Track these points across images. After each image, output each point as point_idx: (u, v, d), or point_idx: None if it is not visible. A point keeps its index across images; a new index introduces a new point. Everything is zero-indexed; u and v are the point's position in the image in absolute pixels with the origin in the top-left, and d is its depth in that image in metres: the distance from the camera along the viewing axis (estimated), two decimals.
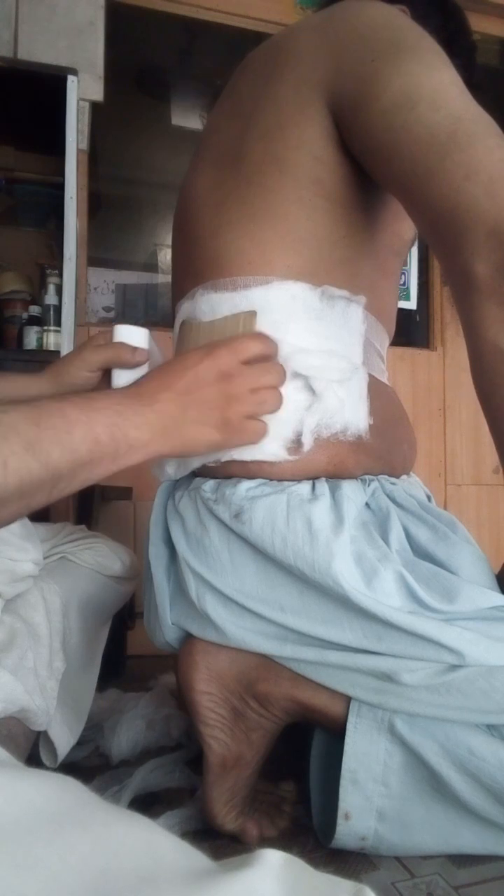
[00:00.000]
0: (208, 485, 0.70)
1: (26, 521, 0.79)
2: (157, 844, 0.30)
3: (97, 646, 0.92)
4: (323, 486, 0.66)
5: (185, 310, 0.75)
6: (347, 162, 0.67)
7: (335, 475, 0.68)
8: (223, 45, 2.16)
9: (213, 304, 0.71)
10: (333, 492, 0.66)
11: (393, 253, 0.80)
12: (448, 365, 2.07)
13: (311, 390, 0.67)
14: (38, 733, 0.74)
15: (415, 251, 2.05)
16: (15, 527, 0.76)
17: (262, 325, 0.68)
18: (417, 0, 0.76)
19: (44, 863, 0.27)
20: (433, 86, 0.58)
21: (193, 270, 0.74)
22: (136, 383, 0.61)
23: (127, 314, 2.25)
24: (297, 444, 0.66)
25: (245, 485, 0.67)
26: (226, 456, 0.67)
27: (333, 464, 0.68)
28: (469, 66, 0.62)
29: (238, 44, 2.10)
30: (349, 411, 0.68)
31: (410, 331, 2.13)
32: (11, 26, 1.76)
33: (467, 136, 0.56)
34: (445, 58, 0.62)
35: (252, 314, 0.68)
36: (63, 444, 0.51)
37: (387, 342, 0.81)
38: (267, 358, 0.65)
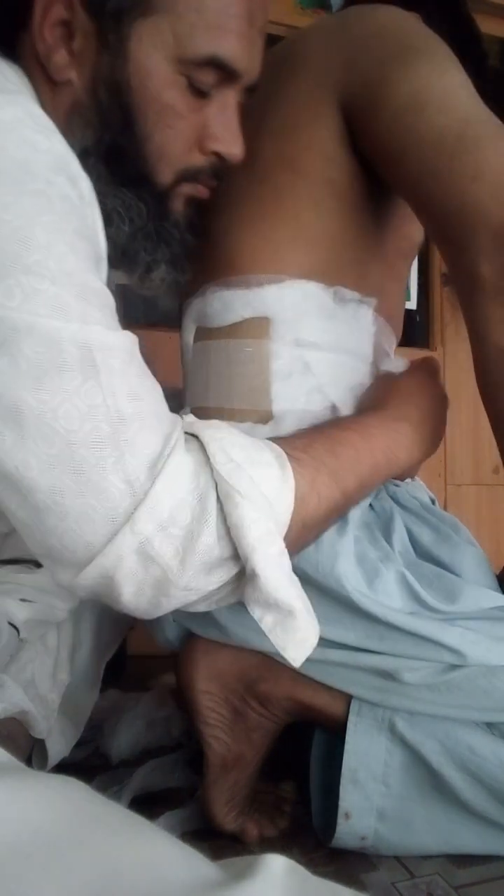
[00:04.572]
0: None
1: None
2: (160, 858, 0.30)
3: (105, 658, 0.90)
4: None
5: (194, 307, 0.75)
6: (358, 163, 0.67)
7: None
8: None
9: (225, 302, 0.71)
10: None
11: (402, 256, 0.80)
12: (448, 365, 2.07)
13: (325, 392, 0.67)
14: None
15: None
16: None
17: (275, 323, 0.68)
18: (431, 9, 0.77)
19: (41, 890, 0.26)
20: (442, 88, 0.59)
21: (203, 268, 0.74)
22: (392, 405, 0.66)
23: (127, 314, 2.25)
24: None
25: None
26: None
27: None
28: (480, 76, 0.63)
29: None
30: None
31: (410, 331, 2.12)
32: None
33: (475, 138, 0.56)
34: (456, 61, 0.63)
35: (265, 320, 0.69)
36: (355, 472, 0.56)
37: (394, 345, 0.81)
38: None
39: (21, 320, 0.42)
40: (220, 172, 0.62)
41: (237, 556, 0.47)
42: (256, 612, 0.49)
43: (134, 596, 0.47)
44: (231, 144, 0.59)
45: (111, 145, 0.56)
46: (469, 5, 0.85)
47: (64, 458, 0.43)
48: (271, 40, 0.79)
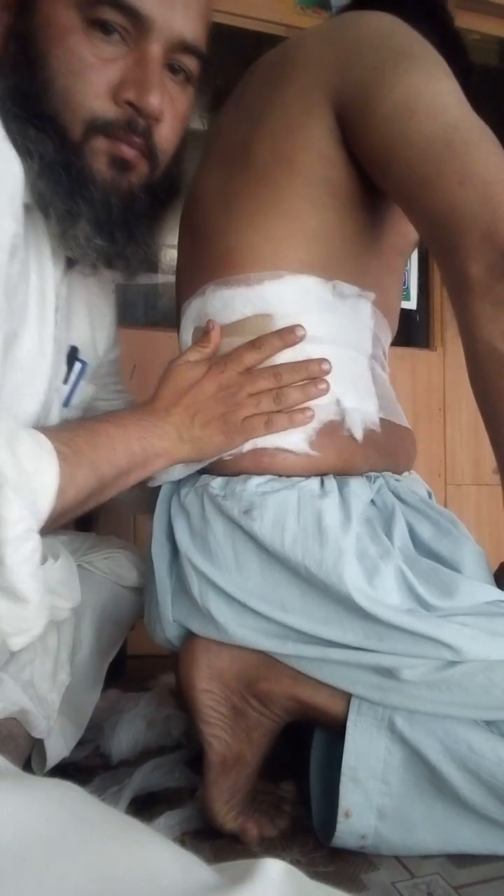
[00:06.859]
0: (216, 482, 0.70)
1: (72, 565, 0.79)
2: (155, 863, 0.29)
3: (107, 659, 0.90)
4: (332, 483, 0.67)
5: (194, 307, 0.75)
6: (353, 163, 0.68)
7: (344, 471, 0.69)
8: (223, 46, 2.15)
9: (225, 300, 0.71)
10: (341, 488, 0.67)
11: (398, 252, 0.81)
12: (448, 365, 2.07)
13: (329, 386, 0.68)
14: None
15: (415, 251, 2.05)
16: (59, 573, 0.76)
17: (276, 319, 0.69)
18: (419, 20, 0.77)
19: (36, 895, 0.26)
20: (432, 94, 0.61)
21: (203, 268, 0.74)
22: (150, 399, 0.71)
23: (127, 314, 2.25)
24: (315, 439, 0.68)
25: (255, 480, 0.68)
26: (248, 445, 0.69)
27: (343, 459, 0.69)
28: (465, 87, 0.64)
29: (238, 44, 2.10)
30: (362, 406, 0.69)
31: (410, 331, 2.13)
32: None
33: (463, 143, 0.58)
34: (446, 67, 0.64)
35: (267, 317, 0.70)
36: (111, 460, 0.63)
37: (390, 340, 0.82)
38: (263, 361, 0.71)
39: None
40: (145, 130, 0.61)
41: None
42: None
43: None
44: (143, 93, 0.59)
45: (18, 89, 0.59)
46: (469, 6, 0.85)
47: None
48: (271, 40, 0.79)
